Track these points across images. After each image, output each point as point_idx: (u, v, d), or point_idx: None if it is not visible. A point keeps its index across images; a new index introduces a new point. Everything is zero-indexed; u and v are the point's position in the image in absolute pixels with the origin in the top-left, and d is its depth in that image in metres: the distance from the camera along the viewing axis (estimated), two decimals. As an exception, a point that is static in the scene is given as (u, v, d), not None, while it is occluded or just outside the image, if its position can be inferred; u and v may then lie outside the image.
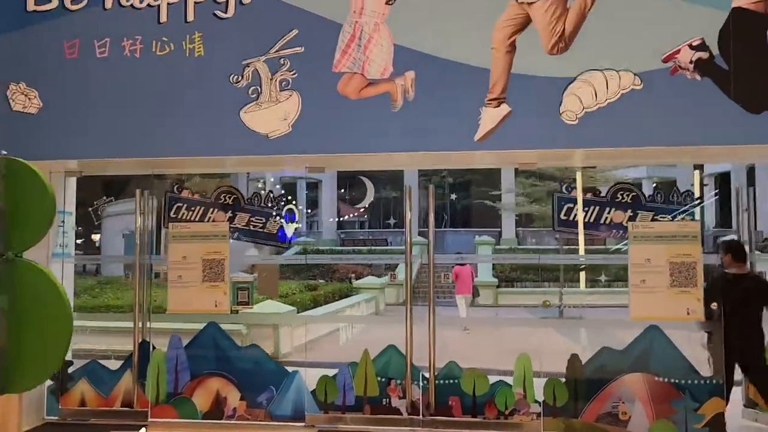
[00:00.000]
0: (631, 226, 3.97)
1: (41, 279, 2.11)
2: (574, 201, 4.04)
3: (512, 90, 3.54)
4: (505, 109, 3.55)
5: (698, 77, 3.41)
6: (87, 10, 3.90)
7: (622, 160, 4.59)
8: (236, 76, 3.75)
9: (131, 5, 3.86)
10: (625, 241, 4.07)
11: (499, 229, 25.58)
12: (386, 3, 3.67)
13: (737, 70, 3.38)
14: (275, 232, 4.32)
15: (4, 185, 2.14)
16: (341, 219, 31.59)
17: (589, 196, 4.06)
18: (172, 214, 4.39)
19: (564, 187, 4.10)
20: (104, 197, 4.71)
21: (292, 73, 3.71)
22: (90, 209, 4.74)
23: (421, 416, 4.08)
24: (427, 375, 4.09)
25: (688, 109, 3.43)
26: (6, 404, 2.12)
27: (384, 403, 4.15)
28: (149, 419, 4.23)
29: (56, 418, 4.37)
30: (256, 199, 4.39)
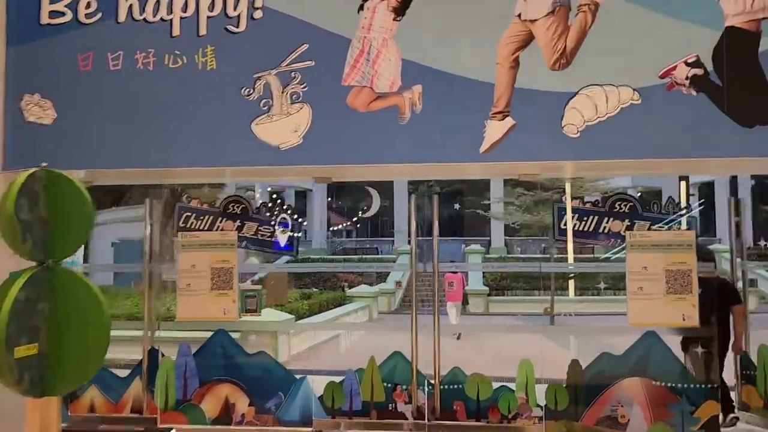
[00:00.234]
0: (629, 236, 4.11)
1: (80, 286, 2.19)
2: (574, 211, 4.18)
3: (516, 104, 3.67)
4: (509, 122, 3.68)
5: (694, 92, 3.57)
6: (100, 24, 3.98)
7: (620, 172, 4.74)
8: (248, 89, 3.85)
9: (144, 19, 3.95)
10: (614, 249, 4.22)
11: (488, 238, 25.80)
12: (394, 19, 3.79)
13: (730, 86, 3.54)
14: (284, 242, 4.41)
15: (45, 196, 2.23)
16: (331, 228, 31.68)
17: (588, 206, 4.20)
18: (180, 224, 4.47)
19: (562, 198, 4.24)
20: (112, 206, 4.78)
21: (302, 86, 3.82)
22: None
23: (426, 420, 4.18)
24: (432, 381, 4.20)
25: (685, 123, 3.58)
26: (47, 406, 2.20)
27: (390, 408, 4.24)
28: (158, 425, 4.29)
29: (66, 424, 4.41)
30: (264, 208, 4.48)
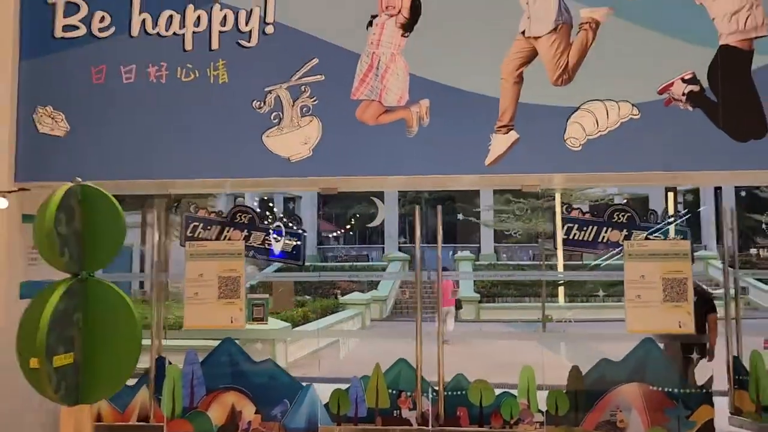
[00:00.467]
0: (627, 245, 4.25)
1: (113, 296, 2.27)
2: (576, 221, 4.30)
3: (520, 118, 3.80)
4: (513, 135, 3.81)
5: (690, 108, 3.72)
6: (114, 38, 4.06)
7: (620, 183, 4.88)
8: (259, 102, 3.95)
9: (157, 33, 4.04)
10: (604, 257, 4.35)
11: (477, 245, 25.98)
12: (402, 35, 3.91)
13: (724, 102, 3.70)
14: (289, 250, 4.49)
15: (80, 210, 2.30)
16: (323, 235, 31.68)
17: (588, 216, 4.33)
18: (188, 233, 4.53)
19: (565, 208, 4.37)
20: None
21: (312, 99, 3.92)
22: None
23: (430, 426, 4.27)
24: (436, 387, 4.29)
25: (681, 137, 3.74)
26: (80, 414, 2.26)
27: (395, 414, 4.33)
28: (166, 433, 4.34)
29: (73, 433, 4.45)
30: (270, 218, 4.56)
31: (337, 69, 3.92)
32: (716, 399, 4.24)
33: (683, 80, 3.72)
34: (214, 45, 4.00)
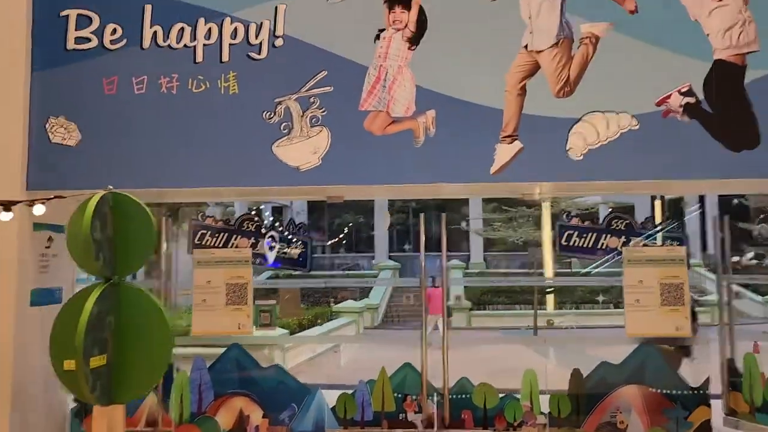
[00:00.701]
0: (626, 251, 4.38)
1: (144, 300, 2.35)
2: (575, 228, 4.44)
3: (524, 128, 3.93)
4: (517, 145, 3.94)
5: (687, 119, 3.87)
6: (125, 50, 4.14)
7: (620, 192, 5.03)
8: (269, 113, 4.04)
9: (168, 45, 4.12)
10: (594, 264, 4.47)
11: (467, 253, 26.15)
12: (409, 48, 4.03)
13: (719, 113, 3.86)
14: (296, 257, 4.58)
15: (111, 216, 2.38)
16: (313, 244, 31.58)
17: (587, 224, 4.46)
18: (196, 241, 4.60)
19: (565, 216, 4.50)
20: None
21: (321, 110, 4.02)
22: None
23: (435, 429, 4.37)
24: (441, 391, 4.39)
25: (678, 147, 3.88)
26: (113, 413, 2.32)
27: (400, 418, 4.42)
28: (174, 438, 4.39)
29: (81, 439, 4.49)
30: (277, 226, 4.65)
31: (346, 81, 4.02)
32: (712, 400, 4.40)
33: (680, 92, 3.87)
34: (225, 57, 4.09)
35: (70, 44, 4.16)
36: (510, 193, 4.35)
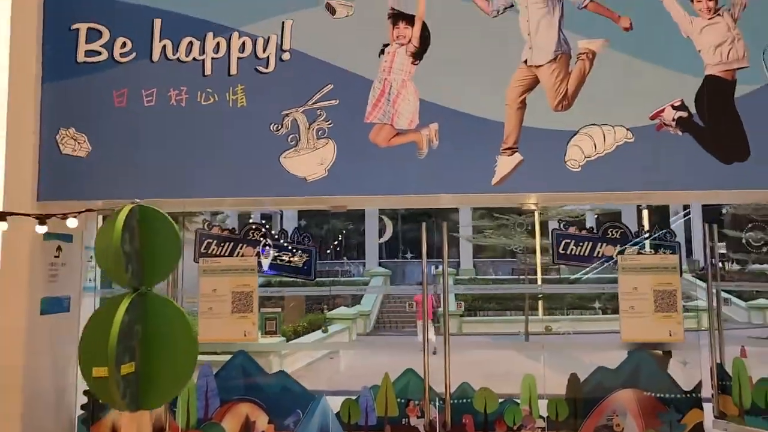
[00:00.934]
0: (621, 259, 4.53)
1: (170, 309, 2.44)
2: (572, 237, 4.58)
3: (524, 141, 4.07)
4: (517, 157, 4.07)
5: (680, 132, 4.03)
6: (135, 63, 4.23)
7: (617, 202, 5.18)
8: (276, 125, 4.15)
9: (177, 59, 4.22)
10: (584, 270, 4.62)
11: (457, 260, 26.31)
12: (412, 63, 4.17)
13: (710, 127, 4.02)
14: (301, 265, 4.68)
15: (139, 229, 2.47)
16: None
17: (584, 233, 4.61)
18: (202, 250, 4.69)
19: (562, 225, 4.65)
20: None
21: (328, 122, 4.14)
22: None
23: (437, 433, 4.48)
24: (443, 396, 4.50)
25: (672, 159, 4.04)
26: (140, 419, 2.41)
27: (403, 422, 4.52)
28: (181, 444, 4.46)
29: (89, 446, 4.55)
30: (282, 235, 4.75)
31: (351, 94, 4.14)
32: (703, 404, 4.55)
33: (673, 107, 4.04)
34: (233, 70, 4.19)
35: (81, 57, 4.25)
36: (510, 203, 4.48)
